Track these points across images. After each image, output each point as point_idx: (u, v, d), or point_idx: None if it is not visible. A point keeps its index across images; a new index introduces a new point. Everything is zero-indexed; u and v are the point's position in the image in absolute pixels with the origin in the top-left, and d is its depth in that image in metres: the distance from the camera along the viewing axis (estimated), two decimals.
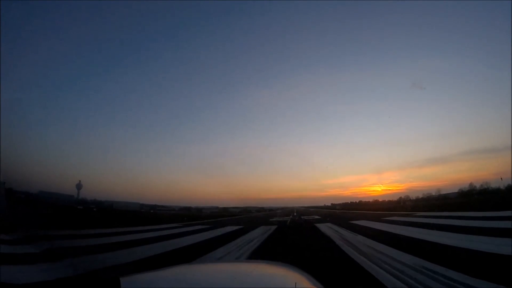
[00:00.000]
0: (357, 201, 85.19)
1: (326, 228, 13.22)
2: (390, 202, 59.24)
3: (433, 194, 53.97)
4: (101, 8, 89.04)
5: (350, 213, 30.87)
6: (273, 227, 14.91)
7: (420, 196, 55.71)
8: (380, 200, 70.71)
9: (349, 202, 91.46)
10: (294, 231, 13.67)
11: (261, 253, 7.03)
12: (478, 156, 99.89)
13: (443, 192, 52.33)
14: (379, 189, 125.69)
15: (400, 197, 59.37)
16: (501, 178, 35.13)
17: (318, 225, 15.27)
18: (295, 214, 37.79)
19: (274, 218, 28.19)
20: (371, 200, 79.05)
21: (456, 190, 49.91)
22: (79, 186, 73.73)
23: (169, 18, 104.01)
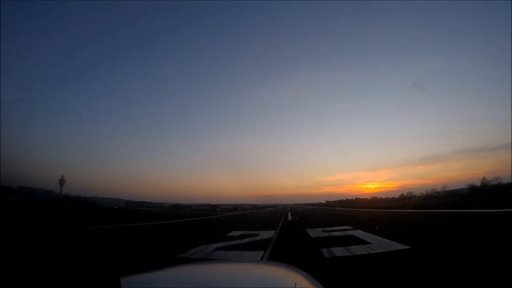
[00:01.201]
0: (353, 199, 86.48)
1: None
2: (391, 199, 59.33)
3: (438, 190, 55.14)
4: (100, 8, 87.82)
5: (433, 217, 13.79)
6: None
7: (423, 193, 56.54)
8: (378, 197, 71.56)
9: (345, 199, 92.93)
10: None
11: None
12: (473, 155, 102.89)
13: (448, 189, 53.49)
14: (373, 187, 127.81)
15: (402, 194, 60.71)
16: None
17: None
18: (289, 219, 19.97)
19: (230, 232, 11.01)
20: (365, 197, 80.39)
21: (453, 188, 52.23)
22: (62, 181, 73.76)
23: (167, 18, 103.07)
